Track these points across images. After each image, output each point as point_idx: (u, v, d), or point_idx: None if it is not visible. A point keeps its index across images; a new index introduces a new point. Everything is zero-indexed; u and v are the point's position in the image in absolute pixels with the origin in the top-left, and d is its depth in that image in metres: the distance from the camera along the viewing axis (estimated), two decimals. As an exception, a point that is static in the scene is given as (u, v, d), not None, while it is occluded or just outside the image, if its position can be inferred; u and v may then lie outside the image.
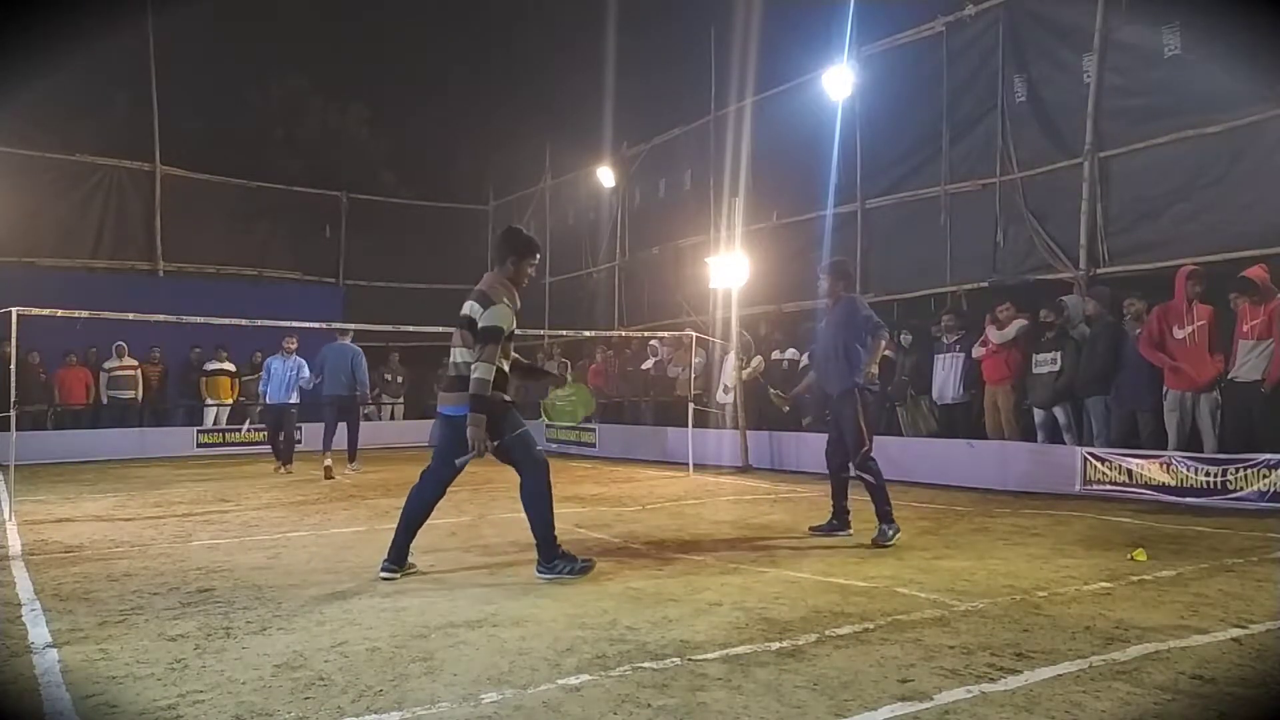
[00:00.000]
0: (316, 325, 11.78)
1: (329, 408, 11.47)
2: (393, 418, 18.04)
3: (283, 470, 11.92)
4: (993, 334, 9.46)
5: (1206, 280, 7.90)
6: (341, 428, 11.46)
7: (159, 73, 17.08)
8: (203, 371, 15.76)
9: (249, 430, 15.23)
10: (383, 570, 5.05)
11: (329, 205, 19.84)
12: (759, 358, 12.09)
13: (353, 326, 11.75)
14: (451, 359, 5.23)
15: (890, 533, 6.02)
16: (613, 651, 3.56)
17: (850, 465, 6.33)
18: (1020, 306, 9.55)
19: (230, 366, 15.79)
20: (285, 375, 11.99)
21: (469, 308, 5.21)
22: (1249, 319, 7.47)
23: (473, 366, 4.92)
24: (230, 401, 15.88)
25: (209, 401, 15.72)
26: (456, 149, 24.48)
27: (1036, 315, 9.41)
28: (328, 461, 11.14)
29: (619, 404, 15.18)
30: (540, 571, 4.98)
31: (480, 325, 5.03)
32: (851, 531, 6.35)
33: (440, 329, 13.52)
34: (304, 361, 11.94)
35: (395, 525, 5.17)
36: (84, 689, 3.20)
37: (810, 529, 6.55)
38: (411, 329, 12.03)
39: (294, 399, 12.13)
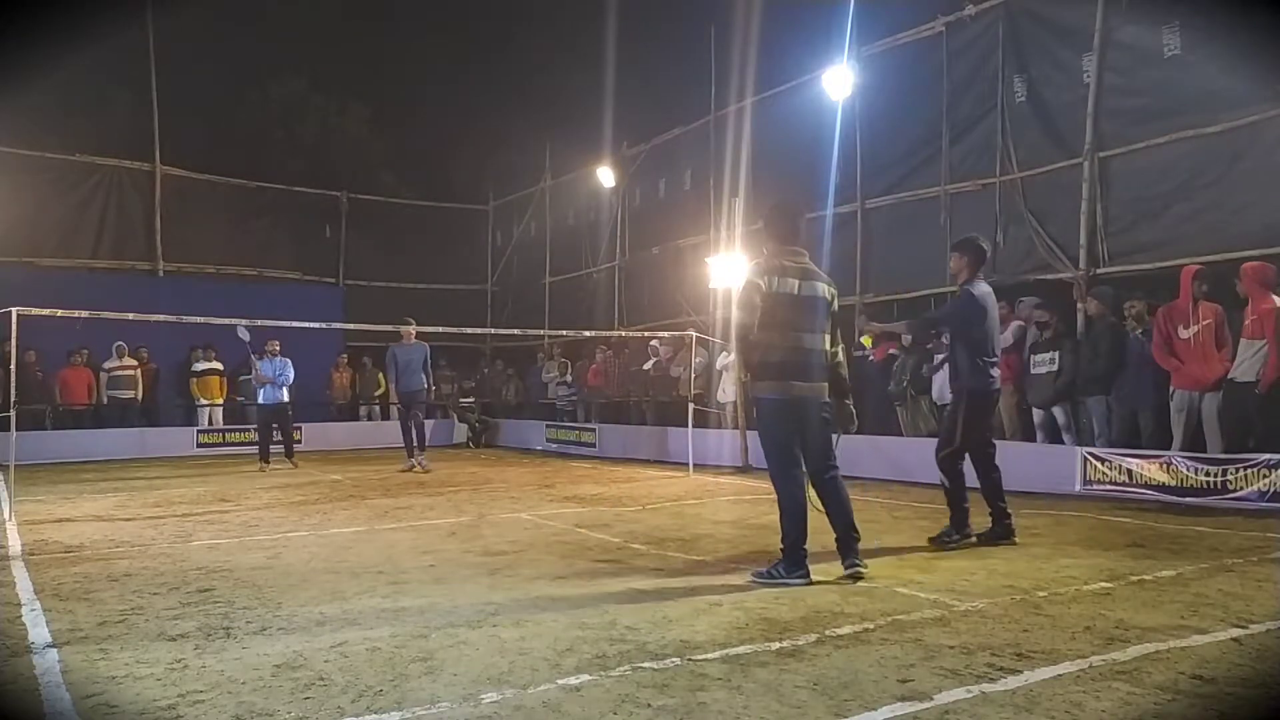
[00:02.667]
0: (316, 325, 11.81)
1: (405, 406, 11.92)
2: (391, 418, 18.06)
3: (268, 469, 12.03)
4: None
5: (1212, 279, 7.89)
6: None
7: (159, 73, 17.06)
8: (193, 372, 15.77)
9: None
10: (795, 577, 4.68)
11: (329, 205, 19.83)
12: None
13: (414, 326, 11.93)
14: (811, 345, 4.83)
15: (951, 537, 5.86)
16: (613, 651, 3.56)
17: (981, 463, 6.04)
18: (1046, 308, 9.47)
19: (219, 366, 15.79)
20: (273, 375, 12.18)
21: (825, 290, 4.92)
22: (1250, 314, 7.46)
23: (836, 351, 4.93)
24: (220, 401, 15.88)
25: (200, 402, 15.72)
26: (456, 149, 24.50)
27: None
28: (424, 459, 11.74)
29: (619, 404, 15.18)
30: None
31: (835, 309, 4.95)
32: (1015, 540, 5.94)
33: (440, 329, 13.64)
34: (289, 361, 12.35)
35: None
36: (84, 689, 3.20)
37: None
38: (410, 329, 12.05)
39: (286, 397, 12.36)
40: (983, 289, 6.02)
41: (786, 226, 5.05)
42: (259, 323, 10.75)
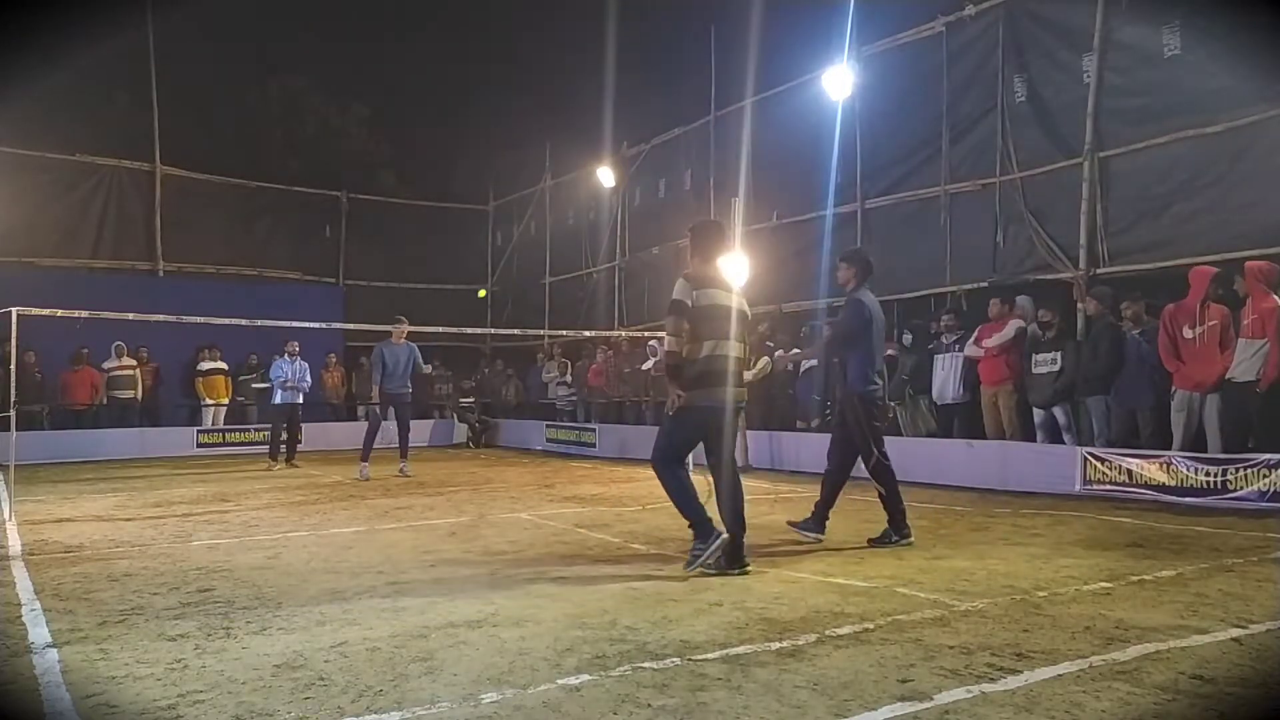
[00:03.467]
0: (316, 325, 11.81)
1: (394, 407, 11.60)
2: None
3: (276, 467, 12.06)
4: (984, 343, 9.45)
5: (1225, 282, 7.87)
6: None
7: (159, 73, 17.09)
8: (198, 371, 15.77)
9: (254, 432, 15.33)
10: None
11: (329, 205, 19.84)
12: (766, 358, 12.09)
13: (406, 325, 11.51)
14: (731, 353, 5.20)
15: (890, 538, 5.94)
16: (613, 651, 3.56)
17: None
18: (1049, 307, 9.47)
19: (224, 365, 15.80)
20: (292, 377, 12.20)
21: (740, 302, 5.35)
22: (1250, 314, 7.46)
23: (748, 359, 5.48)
24: (226, 401, 15.89)
25: (205, 401, 15.73)
26: (456, 149, 24.48)
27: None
28: (407, 466, 11.47)
29: (619, 404, 15.18)
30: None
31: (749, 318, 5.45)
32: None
33: (440, 329, 13.64)
34: (307, 365, 12.28)
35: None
36: (84, 689, 3.20)
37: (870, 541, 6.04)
38: (412, 329, 12.03)
39: (300, 399, 12.39)
40: (870, 298, 6.14)
41: (710, 243, 5.43)
42: (259, 323, 10.75)
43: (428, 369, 12.47)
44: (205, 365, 15.72)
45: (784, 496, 8.67)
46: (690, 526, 5.10)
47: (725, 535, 5.02)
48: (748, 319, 5.43)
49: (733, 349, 5.16)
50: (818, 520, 6.14)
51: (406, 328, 11.40)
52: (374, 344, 11.96)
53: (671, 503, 5.19)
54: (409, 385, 11.50)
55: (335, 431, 16.49)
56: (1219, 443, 7.66)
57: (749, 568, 5.08)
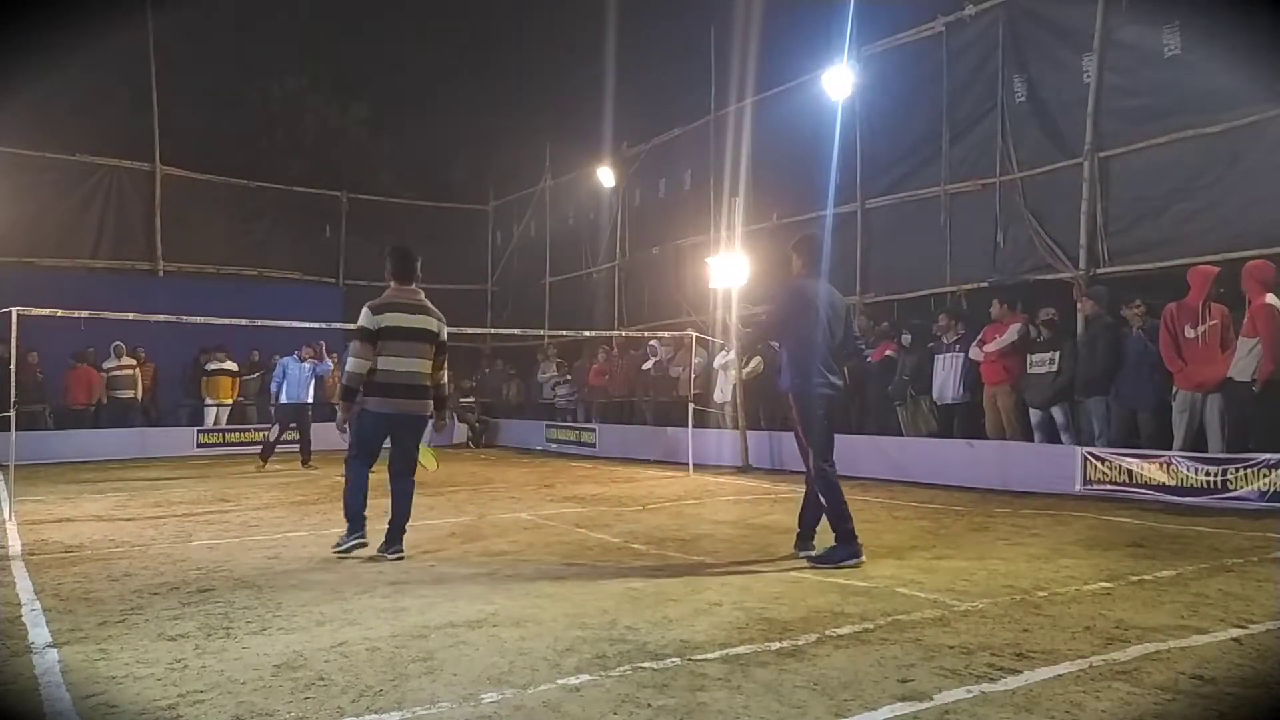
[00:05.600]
0: (317, 325, 11.80)
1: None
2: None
3: (260, 467, 12.07)
4: (985, 348, 9.45)
5: (1225, 281, 7.87)
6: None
7: (159, 73, 17.08)
8: (204, 371, 15.77)
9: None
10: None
11: (329, 205, 19.85)
12: (758, 358, 12.09)
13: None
14: (413, 369, 5.76)
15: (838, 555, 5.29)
16: (613, 651, 3.56)
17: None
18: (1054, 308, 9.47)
19: (232, 366, 15.80)
20: (301, 375, 12.20)
21: (433, 324, 5.86)
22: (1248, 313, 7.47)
23: (440, 376, 5.96)
24: (230, 402, 15.88)
25: (209, 401, 15.72)
26: (456, 149, 24.51)
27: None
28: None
29: (619, 404, 15.19)
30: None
31: (442, 339, 5.88)
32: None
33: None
34: (315, 365, 12.53)
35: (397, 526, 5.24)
36: (84, 689, 3.19)
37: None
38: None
39: (309, 398, 12.37)
40: (806, 285, 5.57)
41: (401, 269, 5.86)
42: (259, 322, 10.74)
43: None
44: (212, 366, 15.71)
45: (784, 496, 8.67)
46: (349, 518, 5.76)
47: (364, 540, 5.68)
48: (434, 336, 5.81)
49: (413, 364, 5.69)
50: (804, 539, 5.68)
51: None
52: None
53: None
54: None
55: (335, 431, 16.42)
56: (1220, 443, 7.67)
57: (402, 556, 5.62)
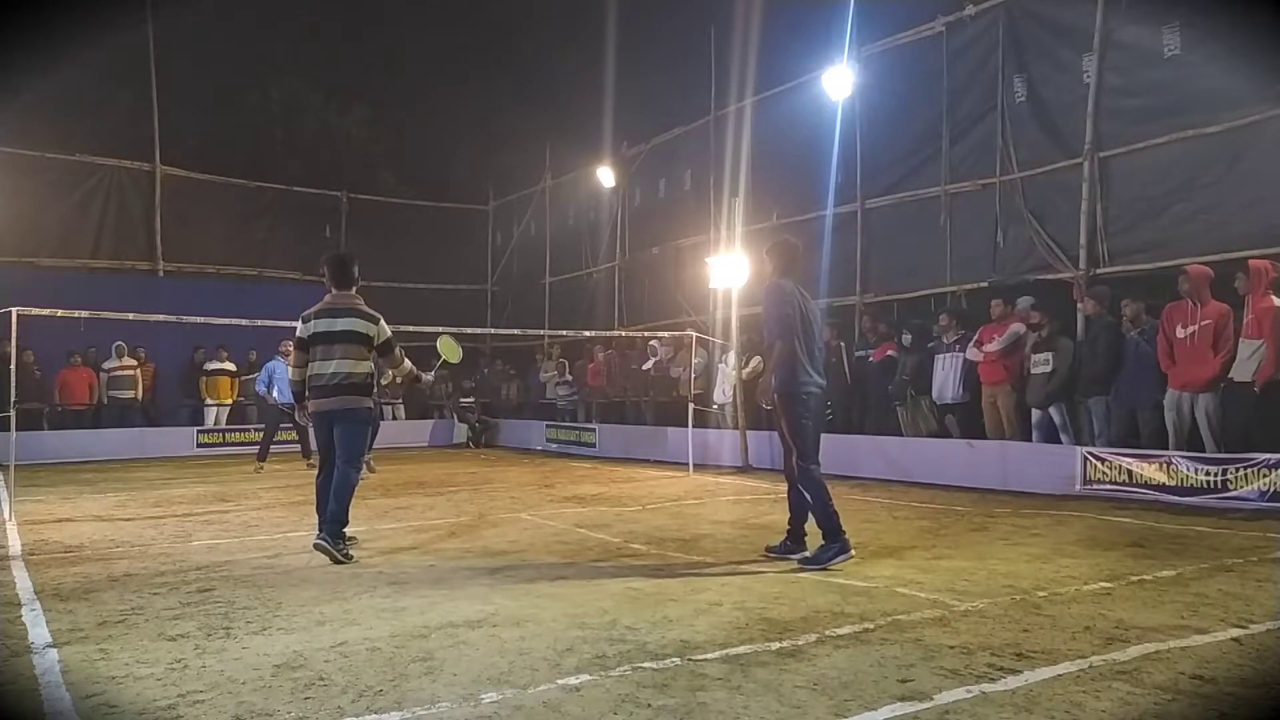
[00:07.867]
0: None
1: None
2: (394, 418, 18.07)
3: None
4: (984, 348, 9.45)
5: (1226, 281, 7.85)
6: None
7: (159, 73, 17.07)
8: (204, 371, 15.77)
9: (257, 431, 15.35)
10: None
11: (329, 205, 19.84)
12: (758, 358, 12.12)
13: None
14: (340, 369, 5.93)
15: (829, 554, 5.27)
16: (613, 651, 3.56)
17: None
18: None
19: (231, 366, 15.80)
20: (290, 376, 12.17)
21: (363, 325, 6.02)
22: (1249, 313, 7.45)
23: (368, 370, 6.20)
24: (230, 402, 15.88)
25: (208, 401, 15.72)
26: (456, 149, 24.49)
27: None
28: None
29: (619, 404, 15.18)
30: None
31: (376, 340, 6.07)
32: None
33: (439, 329, 13.56)
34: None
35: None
36: (84, 689, 3.20)
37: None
38: (411, 329, 12.01)
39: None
40: (792, 286, 5.65)
41: (336, 275, 6.08)
42: (259, 322, 10.72)
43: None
44: (212, 366, 15.71)
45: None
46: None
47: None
48: (366, 337, 5.98)
49: (340, 365, 5.88)
50: (795, 539, 5.64)
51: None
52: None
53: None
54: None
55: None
56: (1212, 443, 7.67)
57: (351, 558, 5.66)
